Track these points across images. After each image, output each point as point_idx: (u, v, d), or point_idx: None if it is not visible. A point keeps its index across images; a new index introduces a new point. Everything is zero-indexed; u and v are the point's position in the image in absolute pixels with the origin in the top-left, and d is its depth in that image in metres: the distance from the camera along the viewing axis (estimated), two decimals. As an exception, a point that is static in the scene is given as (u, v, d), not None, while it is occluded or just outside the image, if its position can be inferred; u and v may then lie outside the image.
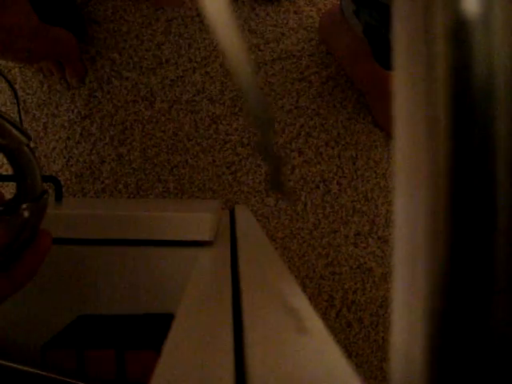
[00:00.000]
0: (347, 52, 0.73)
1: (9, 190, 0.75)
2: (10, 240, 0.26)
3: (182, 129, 0.79)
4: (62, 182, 0.78)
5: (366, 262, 0.80)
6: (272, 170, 0.20)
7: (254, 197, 0.79)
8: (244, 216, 0.61)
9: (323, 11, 0.78)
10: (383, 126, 0.79)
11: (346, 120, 0.80)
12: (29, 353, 0.43)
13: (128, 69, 0.79)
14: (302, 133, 0.79)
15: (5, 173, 0.79)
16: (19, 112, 0.78)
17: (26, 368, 0.34)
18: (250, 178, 0.79)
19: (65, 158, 0.79)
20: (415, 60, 0.11)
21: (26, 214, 0.27)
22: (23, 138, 0.27)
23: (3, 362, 0.34)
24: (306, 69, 0.79)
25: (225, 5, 0.16)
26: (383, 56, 0.63)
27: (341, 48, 0.74)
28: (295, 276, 0.79)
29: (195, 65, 0.79)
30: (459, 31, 0.10)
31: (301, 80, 0.79)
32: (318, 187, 0.80)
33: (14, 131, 0.26)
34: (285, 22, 0.79)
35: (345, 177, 0.80)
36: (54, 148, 0.79)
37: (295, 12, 0.79)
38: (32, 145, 0.77)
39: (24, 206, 0.27)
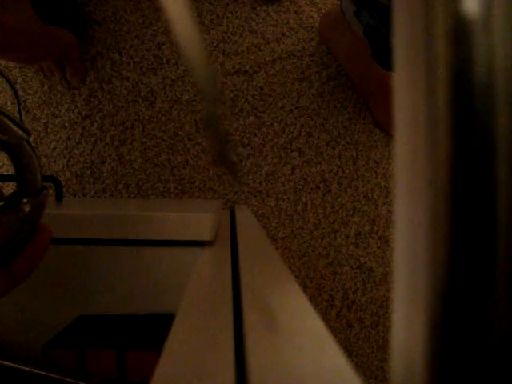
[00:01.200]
0: (348, 53, 0.73)
1: (9, 191, 0.75)
2: (11, 234, 0.27)
3: (183, 129, 0.79)
4: (63, 182, 0.78)
5: (366, 262, 0.80)
6: (218, 146, 0.20)
7: (255, 197, 0.79)
8: (244, 216, 0.61)
9: (323, 11, 0.78)
10: (384, 126, 0.79)
11: (346, 120, 0.80)
12: (29, 353, 0.43)
13: (128, 69, 0.79)
14: (303, 133, 0.79)
15: (5, 173, 0.79)
16: (20, 112, 0.78)
17: (26, 368, 0.34)
18: (251, 178, 0.79)
19: (65, 158, 0.79)
20: (415, 60, 0.11)
21: (26, 208, 0.27)
22: (23, 134, 0.27)
23: (4, 362, 0.34)
24: (306, 69, 0.79)
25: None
26: (383, 56, 0.63)
27: (341, 49, 0.74)
28: (296, 276, 0.79)
29: (196, 65, 0.79)
30: (459, 31, 0.10)
31: (301, 80, 0.79)
32: (318, 187, 0.80)
33: (14, 127, 0.27)
34: (285, 21, 0.79)
35: (345, 177, 0.80)
36: (55, 148, 0.79)
37: (296, 12, 0.79)
38: (32, 140, 0.77)
39: (25, 200, 0.27)
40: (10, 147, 0.27)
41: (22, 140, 0.27)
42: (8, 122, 0.26)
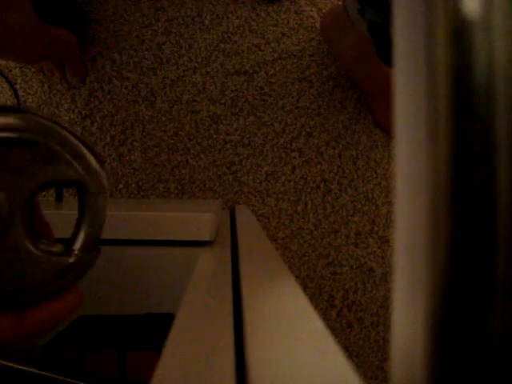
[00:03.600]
0: (352, 51, 0.73)
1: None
2: (45, 280, 0.24)
3: (183, 129, 0.79)
4: (63, 182, 0.78)
5: (366, 262, 0.80)
6: None
7: (255, 197, 0.79)
8: (244, 216, 0.61)
9: (324, 11, 0.78)
10: (384, 126, 0.79)
11: (346, 120, 0.80)
12: (29, 353, 0.43)
13: (128, 69, 0.79)
14: (303, 133, 0.79)
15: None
16: (20, 112, 0.78)
17: (26, 368, 0.34)
18: (251, 177, 0.79)
19: (65, 157, 0.79)
20: (416, 60, 0.11)
21: (74, 260, 0.25)
22: (105, 183, 0.25)
23: (3, 362, 0.34)
24: (306, 69, 0.79)
25: None
26: (388, 54, 0.63)
27: (344, 47, 0.74)
28: (296, 276, 0.79)
29: (196, 65, 0.79)
30: (460, 31, 0.10)
31: (301, 80, 0.79)
32: (318, 187, 0.80)
33: (100, 171, 0.25)
34: (285, 21, 0.79)
35: (345, 177, 0.80)
36: (55, 148, 0.79)
37: (296, 12, 0.79)
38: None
39: (76, 252, 0.25)
40: (85, 192, 0.25)
41: (102, 191, 0.25)
42: (97, 168, 0.25)
